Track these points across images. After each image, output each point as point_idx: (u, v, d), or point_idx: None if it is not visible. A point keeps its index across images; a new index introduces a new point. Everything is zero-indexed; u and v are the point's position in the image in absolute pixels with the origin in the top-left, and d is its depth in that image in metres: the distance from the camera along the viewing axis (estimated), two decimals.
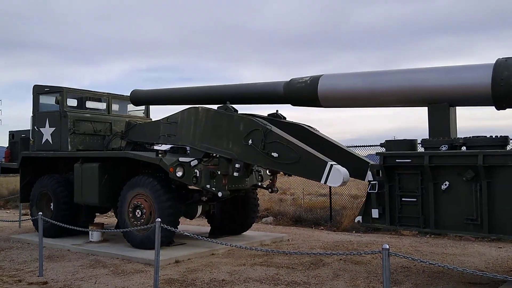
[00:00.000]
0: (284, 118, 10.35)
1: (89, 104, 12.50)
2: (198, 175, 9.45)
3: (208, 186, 9.57)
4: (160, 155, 9.37)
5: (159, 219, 6.26)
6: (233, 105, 9.56)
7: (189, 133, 9.73)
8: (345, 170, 7.73)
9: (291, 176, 10.61)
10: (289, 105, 9.60)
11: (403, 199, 7.11)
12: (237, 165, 9.08)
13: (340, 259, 9.02)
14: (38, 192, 11.86)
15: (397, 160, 7.07)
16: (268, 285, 7.17)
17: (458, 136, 7.31)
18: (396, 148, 7.40)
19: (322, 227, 14.30)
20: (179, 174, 9.20)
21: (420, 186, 6.94)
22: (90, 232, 10.77)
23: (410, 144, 7.47)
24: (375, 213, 7.35)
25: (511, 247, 10.43)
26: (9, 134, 13.61)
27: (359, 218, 7.58)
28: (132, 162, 10.70)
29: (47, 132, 11.80)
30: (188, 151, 10.50)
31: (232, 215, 11.59)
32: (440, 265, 4.48)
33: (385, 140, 7.75)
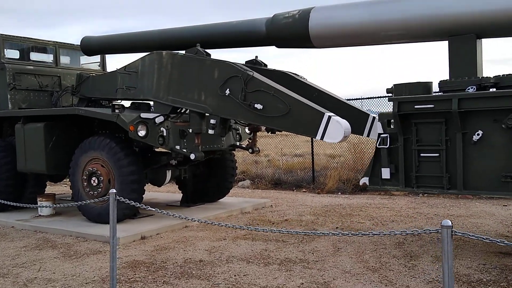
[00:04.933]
0: (265, 65, 8.77)
1: (34, 56, 10.58)
2: (165, 134, 7.85)
3: (177, 147, 8.00)
4: (117, 111, 7.68)
5: (114, 190, 4.72)
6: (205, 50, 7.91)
7: (152, 84, 8.04)
8: (346, 122, 6.28)
9: (274, 133, 9.16)
10: (272, 48, 8.07)
11: (421, 154, 5.76)
12: (212, 121, 7.51)
13: (337, 227, 7.73)
14: None
15: (415, 106, 5.67)
16: (257, 265, 5.79)
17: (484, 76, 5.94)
18: (409, 93, 5.98)
19: (304, 190, 13.06)
20: (142, 133, 7.58)
21: (445, 137, 5.59)
22: (39, 204, 9.10)
23: (424, 87, 6.07)
24: (385, 173, 5.99)
25: None
26: None
27: (365, 179, 6.21)
28: (85, 121, 9.02)
29: None
30: (152, 107, 8.88)
31: (207, 180, 10.11)
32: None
33: (393, 84, 6.32)
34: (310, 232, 4.18)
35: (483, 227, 7.42)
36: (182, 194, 10.20)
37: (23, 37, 10.27)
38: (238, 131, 9.69)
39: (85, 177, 8.23)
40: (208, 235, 7.47)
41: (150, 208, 4.92)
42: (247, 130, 9.53)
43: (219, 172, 10.05)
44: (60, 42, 10.75)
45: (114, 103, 8.07)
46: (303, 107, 6.45)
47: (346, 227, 7.75)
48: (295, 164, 15.74)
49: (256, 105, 6.77)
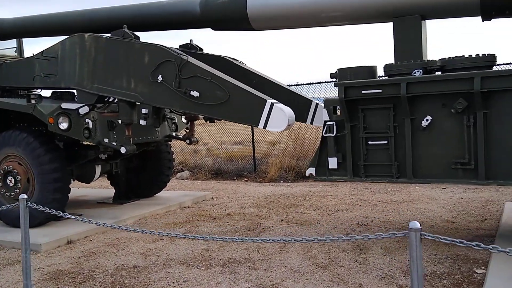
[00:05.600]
0: (201, 49, 8.15)
1: None
2: (90, 126, 7.06)
3: (106, 140, 7.25)
4: (33, 102, 6.80)
5: (24, 196, 4.00)
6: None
7: (74, 70, 7.19)
8: (290, 109, 5.84)
9: (213, 122, 8.61)
10: (209, 30, 7.49)
11: (369, 142, 5.47)
12: (143, 111, 6.83)
13: (282, 220, 7.36)
14: None
15: (363, 92, 5.34)
16: (198, 269, 5.26)
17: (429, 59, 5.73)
18: (353, 78, 5.66)
19: (246, 179, 12.65)
20: (64, 126, 6.76)
21: (393, 124, 5.32)
22: None
23: (369, 71, 5.78)
24: (332, 162, 5.66)
25: (455, 188, 9.54)
26: None
27: (311, 170, 5.85)
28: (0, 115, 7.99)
29: None
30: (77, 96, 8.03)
31: (142, 174, 9.40)
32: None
33: (338, 69, 5.99)
34: (277, 239, 3.71)
35: (428, 213, 7.34)
36: (114, 191, 9.42)
37: None
38: (174, 121, 9.04)
39: (0, 177, 7.29)
40: (143, 235, 6.82)
41: (69, 216, 4.24)
42: (183, 120, 8.91)
43: (155, 165, 9.37)
44: None
45: (29, 92, 7.14)
46: (244, 94, 5.94)
47: (291, 219, 7.40)
48: (235, 153, 15.30)
49: (192, 93, 6.17)
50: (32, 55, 7.83)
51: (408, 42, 5.68)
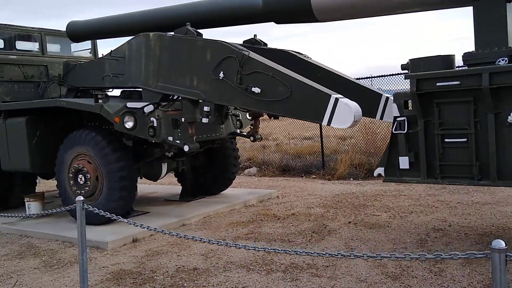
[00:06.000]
0: (265, 44, 7.93)
1: (20, 45, 9.89)
2: (155, 125, 7.09)
3: (170, 138, 7.25)
4: (100, 101, 6.92)
5: (81, 198, 4.00)
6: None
7: (140, 69, 7.26)
8: (356, 104, 5.44)
9: (277, 118, 8.38)
10: (272, 24, 7.23)
11: (446, 140, 4.93)
12: (206, 108, 6.72)
13: (349, 222, 6.96)
14: None
15: (438, 84, 4.82)
16: (258, 274, 5.04)
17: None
18: (427, 69, 5.14)
19: (314, 176, 12.28)
20: (129, 125, 6.83)
21: (474, 119, 4.75)
22: (26, 205, 8.48)
23: (445, 61, 5.21)
24: (403, 162, 5.18)
25: None
26: None
27: (380, 170, 5.41)
28: (74, 114, 8.29)
29: None
30: None
31: (207, 172, 9.37)
32: None
33: (409, 59, 5.48)
34: (342, 254, 3.41)
35: None
36: (181, 188, 9.49)
37: (5, 25, 9.55)
38: (238, 118, 8.91)
39: (71, 175, 7.54)
40: (206, 234, 6.74)
41: (122, 219, 4.20)
42: (247, 116, 8.75)
43: (220, 163, 9.31)
44: (46, 29, 10.02)
45: (96, 92, 7.29)
46: (307, 89, 5.63)
47: (360, 221, 6.97)
48: (304, 148, 14.94)
49: (253, 89, 5.97)
50: (103, 56, 8.04)
51: (491, 27, 5.05)
